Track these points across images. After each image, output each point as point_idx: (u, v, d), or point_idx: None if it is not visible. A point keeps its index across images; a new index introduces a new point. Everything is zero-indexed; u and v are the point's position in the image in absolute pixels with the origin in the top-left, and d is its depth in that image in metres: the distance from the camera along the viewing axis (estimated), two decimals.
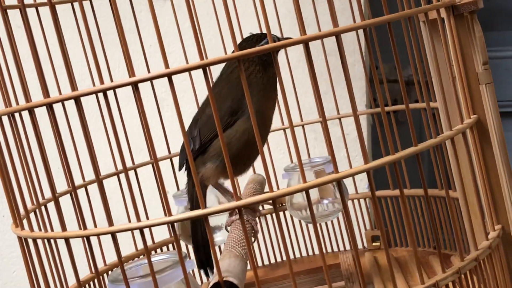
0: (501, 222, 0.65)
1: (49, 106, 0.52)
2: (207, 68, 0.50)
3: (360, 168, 0.51)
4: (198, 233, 0.72)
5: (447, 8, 0.63)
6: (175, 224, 0.51)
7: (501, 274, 0.63)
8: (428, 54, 0.70)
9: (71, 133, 0.81)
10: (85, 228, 0.54)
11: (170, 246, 0.93)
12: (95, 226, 0.81)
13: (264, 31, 0.90)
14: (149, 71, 0.91)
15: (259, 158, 0.78)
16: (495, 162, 0.66)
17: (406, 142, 0.55)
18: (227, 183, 0.77)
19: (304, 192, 0.51)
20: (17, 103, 0.63)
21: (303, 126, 0.96)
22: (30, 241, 0.62)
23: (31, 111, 0.55)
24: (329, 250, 0.98)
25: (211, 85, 0.61)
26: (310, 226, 0.96)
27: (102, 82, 0.50)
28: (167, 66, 0.50)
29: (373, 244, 0.94)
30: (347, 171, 0.51)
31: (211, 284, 0.54)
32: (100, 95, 0.52)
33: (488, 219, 0.65)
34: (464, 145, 0.62)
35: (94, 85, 0.85)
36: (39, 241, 0.63)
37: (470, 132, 0.64)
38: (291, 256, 0.98)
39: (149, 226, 0.50)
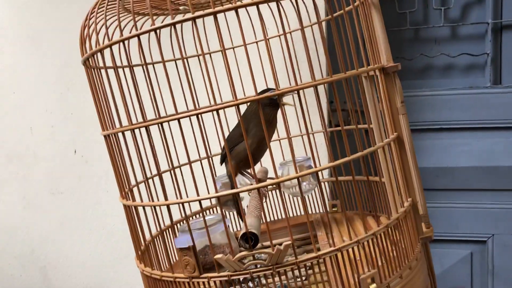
0: (411, 196, 0.67)
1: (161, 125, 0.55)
2: (239, 106, 0.52)
3: (329, 164, 0.54)
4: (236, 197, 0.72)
5: (379, 69, 0.64)
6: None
7: (411, 228, 0.64)
8: (367, 96, 0.71)
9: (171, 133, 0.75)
10: (181, 197, 0.55)
11: (210, 211, 0.91)
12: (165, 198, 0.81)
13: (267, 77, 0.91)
14: (195, 105, 0.91)
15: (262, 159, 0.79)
16: (408, 160, 0.66)
17: (351, 148, 0.56)
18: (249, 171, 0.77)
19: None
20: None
21: (289, 138, 0.96)
22: (140, 208, 0.60)
23: (147, 128, 0.57)
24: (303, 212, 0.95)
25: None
26: (295, 198, 0.96)
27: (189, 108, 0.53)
28: (215, 103, 0.53)
29: (333, 209, 0.94)
30: (323, 166, 0.53)
31: (241, 233, 0.56)
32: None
33: (403, 194, 0.65)
34: (389, 150, 0.63)
35: (157, 115, 0.83)
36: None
37: (393, 143, 0.64)
38: (281, 216, 0.98)
39: (209, 198, 0.52)
